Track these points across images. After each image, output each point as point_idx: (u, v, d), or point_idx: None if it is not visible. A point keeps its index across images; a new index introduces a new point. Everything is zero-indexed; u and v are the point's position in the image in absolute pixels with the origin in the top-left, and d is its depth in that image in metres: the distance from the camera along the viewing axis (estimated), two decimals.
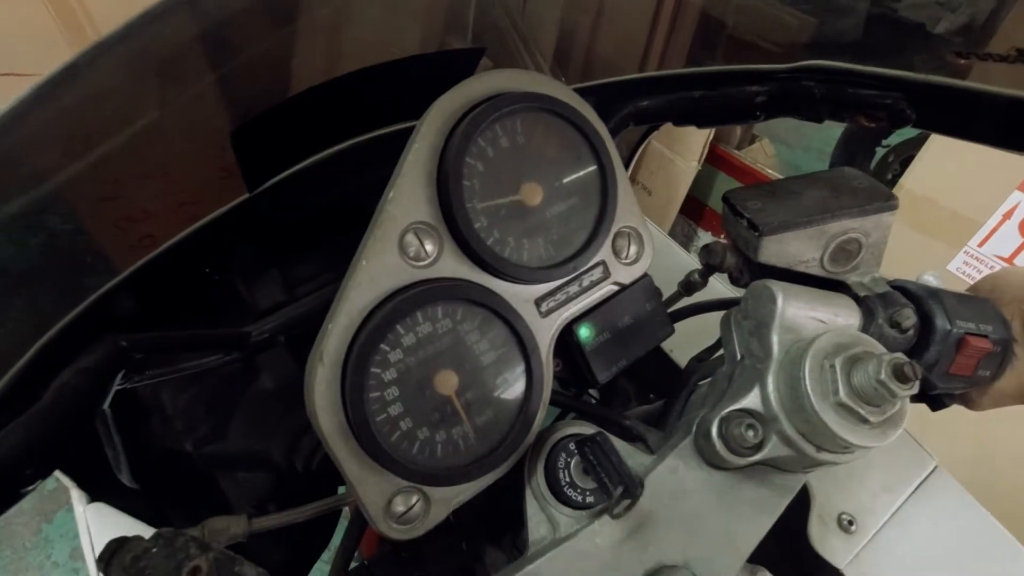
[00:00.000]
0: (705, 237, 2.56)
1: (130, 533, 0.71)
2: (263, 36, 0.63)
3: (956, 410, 0.67)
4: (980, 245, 1.70)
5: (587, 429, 0.52)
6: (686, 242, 2.64)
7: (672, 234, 2.56)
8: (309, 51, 0.68)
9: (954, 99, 0.56)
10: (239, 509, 0.77)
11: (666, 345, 0.97)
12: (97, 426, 0.64)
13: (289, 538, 0.80)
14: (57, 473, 0.72)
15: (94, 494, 0.76)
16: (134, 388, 0.62)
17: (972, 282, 0.63)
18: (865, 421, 0.45)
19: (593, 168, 0.54)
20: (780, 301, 0.52)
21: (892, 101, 0.57)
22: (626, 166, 1.25)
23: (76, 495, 0.76)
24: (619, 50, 1.30)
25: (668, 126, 0.84)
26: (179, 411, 0.66)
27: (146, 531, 0.71)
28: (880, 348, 0.48)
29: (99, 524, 0.74)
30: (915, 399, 0.61)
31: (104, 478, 0.70)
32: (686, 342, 0.77)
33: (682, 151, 2.25)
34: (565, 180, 0.53)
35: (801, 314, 0.53)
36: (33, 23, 1.61)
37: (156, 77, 0.58)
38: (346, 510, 1.14)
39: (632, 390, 1.04)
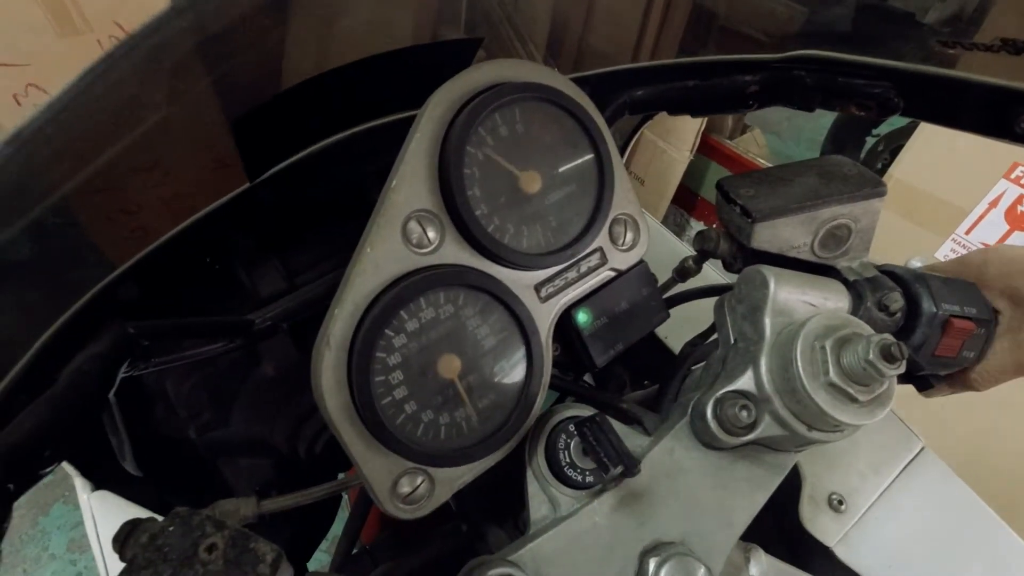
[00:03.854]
0: (697, 226, 2.58)
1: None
2: (259, 28, 0.64)
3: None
4: (967, 232, 1.73)
5: (586, 411, 0.53)
6: (679, 231, 2.66)
7: (665, 223, 2.57)
8: (302, 42, 0.68)
9: (941, 88, 0.57)
10: (242, 495, 0.78)
11: (660, 332, 0.98)
12: (102, 414, 0.64)
13: (291, 525, 0.81)
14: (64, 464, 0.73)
15: (98, 482, 0.76)
16: (139, 376, 0.63)
17: None
18: (854, 400, 0.47)
19: (590, 156, 0.55)
20: (772, 285, 0.53)
21: (881, 90, 0.59)
22: (622, 153, 1.26)
23: (80, 483, 0.76)
24: (612, 40, 1.31)
25: (661, 116, 0.85)
26: (183, 398, 0.67)
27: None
28: (868, 330, 0.49)
29: (103, 512, 0.75)
30: (902, 380, 0.63)
31: (108, 466, 0.71)
32: (680, 328, 0.78)
33: (674, 141, 2.26)
34: (563, 168, 0.54)
35: (792, 298, 0.54)
36: (21, 13, 1.59)
37: (152, 71, 0.58)
38: (345, 500, 1.15)
39: (627, 376, 1.05)
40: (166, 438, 0.71)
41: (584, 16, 1.31)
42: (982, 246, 1.71)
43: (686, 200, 2.55)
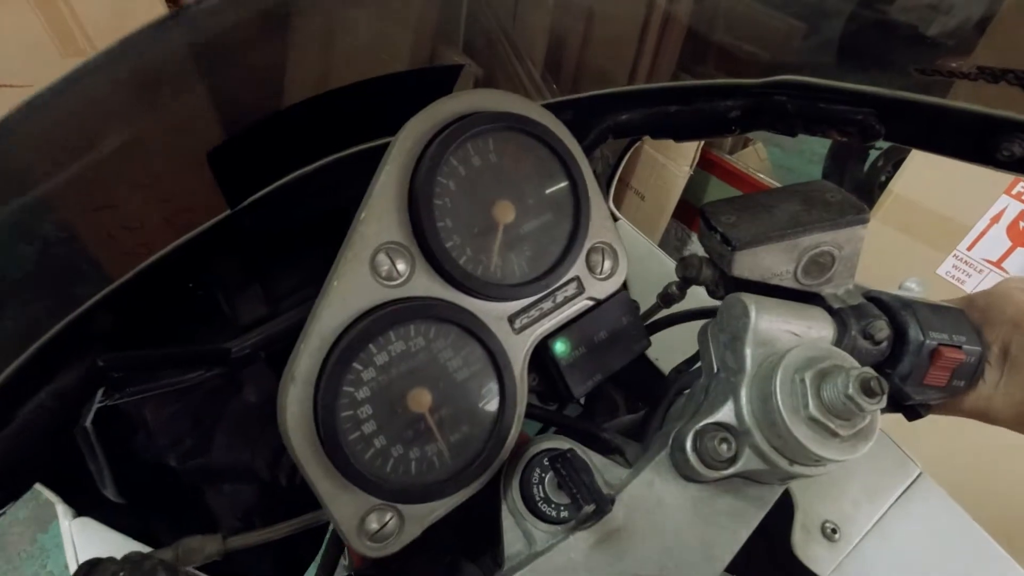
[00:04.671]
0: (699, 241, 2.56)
1: (116, 547, 0.72)
2: (254, 49, 0.64)
3: (943, 417, 0.68)
4: (969, 248, 1.70)
5: (562, 444, 0.52)
6: (680, 246, 2.64)
7: (666, 238, 2.57)
8: (304, 62, 0.68)
9: (922, 114, 0.56)
10: (225, 522, 0.77)
11: (652, 355, 0.97)
12: (79, 442, 0.64)
13: (276, 549, 0.80)
14: (42, 488, 0.72)
15: (80, 508, 0.76)
16: (114, 405, 0.63)
17: (961, 286, 0.63)
18: (835, 435, 0.46)
19: (565, 185, 0.54)
20: (753, 314, 0.52)
21: (863, 117, 0.58)
22: (613, 173, 1.26)
23: (61, 510, 0.76)
24: (609, 59, 1.31)
25: None
26: (162, 426, 0.67)
27: (132, 545, 0.72)
28: (850, 362, 0.48)
29: (85, 539, 0.74)
30: (891, 410, 0.61)
31: (90, 492, 0.70)
32: (673, 351, 0.77)
33: (674, 156, 2.25)
34: (537, 198, 0.53)
35: (774, 327, 0.53)
36: (25, 33, 1.61)
37: (144, 91, 0.58)
38: None
39: (621, 400, 1.04)
40: (147, 465, 0.71)
41: (582, 35, 1.32)
42: (984, 262, 1.69)
43: (687, 215, 2.54)
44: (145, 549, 0.60)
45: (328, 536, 0.61)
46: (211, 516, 0.75)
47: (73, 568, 0.76)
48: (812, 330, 0.55)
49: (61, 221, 0.63)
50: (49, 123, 0.44)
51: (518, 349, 0.52)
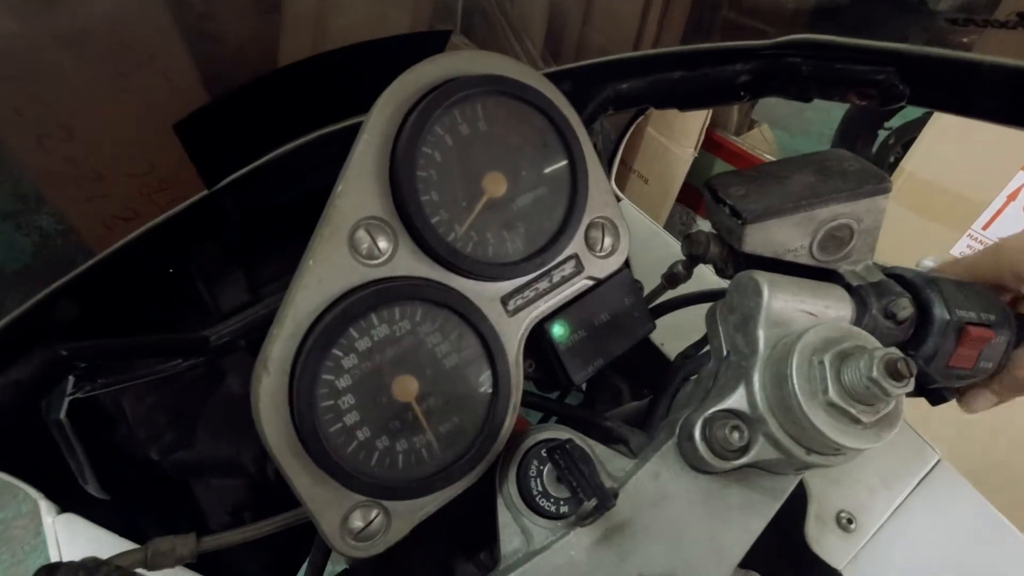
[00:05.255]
0: (704, 225, 2.53)
1: (101, 545, 0.69)
2: (251, 22, 0.61)
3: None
4: (984, 228, 1.66)
5: (562, 434, 0.49)
6: (685, 230, 2.60)
7: (670, 222, 2.53)
8: (297, 40, 0.66)
9: (952, 73, 0.52)
10: (214, 518, 0.75)
11: (656, 338, 0.94)
12: (55, 436, 0.61)
13: (267, 547, 0.78)
14: (25, 486, 0.70)
15: (64, 505, 0.74)
16: (93, 396, 0.60)
17: None
18: (857, 421, 0.43)
19: (562, 155, 0.50)
20: (766, 293, 0.49)
21: (884, 77, 0.53)
22: (615, 149, 1.21)
23: (44, 506, 0.74)
24: (611, 35, 1.27)
25: (664, 112, 0.80)
26: (141, 419, 0.64)
27: (118, 542, 0.70)
28: (873, 342, 0.45)
29: (69, 536, 0.72)
30: (913, 394, 0.58)
31: (74, 488, 0.68)
32: (679, 337, 0.74)
33: (678, 138, 2.20)
34: (532, 169, 0.49)
35: (789, 307, 0.50)
36: None
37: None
38: None
39: (624, 388, 1.01)
40: (130, 459, 0.68)
41: (583, 10, 1.28)
42: None
43: (692, 198, 2.50)
44: (131, 546, 0.58)
45: (316, 539, 0.58)
46: (199, 511, 0.73)
47: None
48: (830, 309, 0.51)
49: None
50: None
51: (512, 333, 0.48)
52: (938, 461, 0.78)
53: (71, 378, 0.51)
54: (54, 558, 0.73)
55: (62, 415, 0.53)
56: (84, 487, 0.68)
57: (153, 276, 0.63)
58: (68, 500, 0.74)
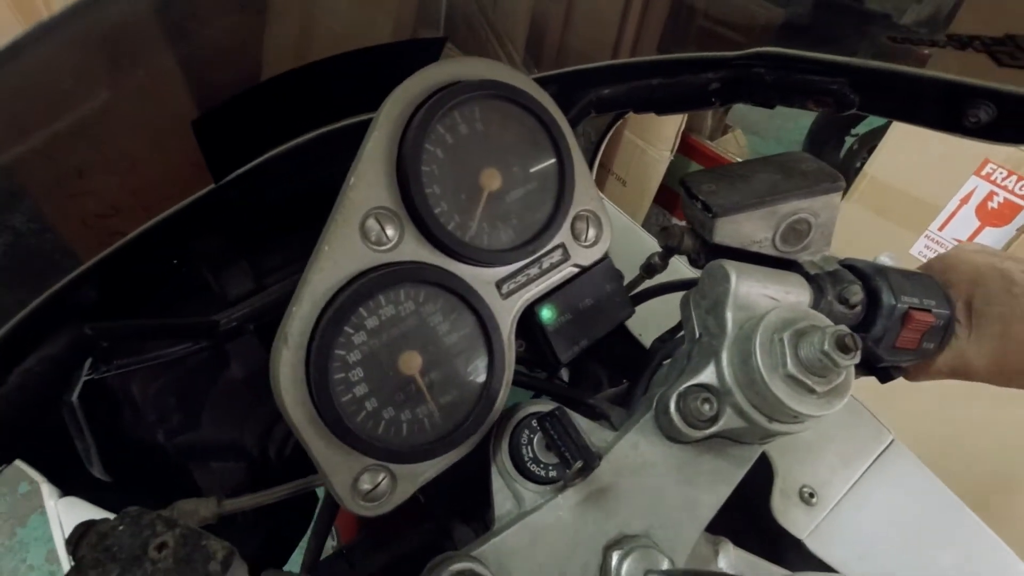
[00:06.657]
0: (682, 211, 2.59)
1: None
2: (231, 22, 0.63)
3: (918, 388, 0.70)
4: (940, 229, 1.75)
5: (550, 407, 0.53)
6: None
7: (647, 223, 2.59)
8: (281, 42, 0.68)
9: (894, 83, 0.58)
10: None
11: (635, 328, 0.99)
12: (65, 418, 0.63)
13: (265, 526, 0.80)
14: (27, 468, 0.72)
15: (66, 488, 0.75)
16: (103, 379, 0.62)
17: None
18: (812, 391, 0.47)
19: (550, 153, 0.55)
20: (734, 280, 0.53)
21: (837, 86, 0.60)
22: (596, 151, 1.27)
23: (47, 490, 0.75)
24: (591, 40, 1.31)
25: (641, 117, 0.85)
26: (149, 401, 0.67)
27: None
28: (826, 322, 0.50)
29: (72, 518, 0.74)
30: (864, 372, 0.64)
31: (76, 471, 0.70)
32: (654, 325, 0.79)
33: (655, 141, 2.27)
34: (523, 166, 0.54)
35: (754, 292, 0.54)
36: None
37: (116, 61, 0.57)
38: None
39: (604, 376, 1.06)
40: (134, 442, 0.71)
41: (563, 16, 1.32)
42: (955, 241, 1.74)
43: (668, 200, 2.57)
44: None
45: (320, 506, 0.62)
46: (199, 494, 0.75)
47: (61, 549, 0.76)
48: (790, 295, 0.56)
49: (42, 199, 0.63)
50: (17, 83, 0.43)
51: (505, 314, 0.53)
52: (892, 441, 0.83)
53: (88, 360, 0.54)
54: (58, 540, 0.75)
55: (74, 397, 0.55)
56: (89, 470, 0.70)
57: (162, 265, 0.65)
58: (69, 484, 0.76)
